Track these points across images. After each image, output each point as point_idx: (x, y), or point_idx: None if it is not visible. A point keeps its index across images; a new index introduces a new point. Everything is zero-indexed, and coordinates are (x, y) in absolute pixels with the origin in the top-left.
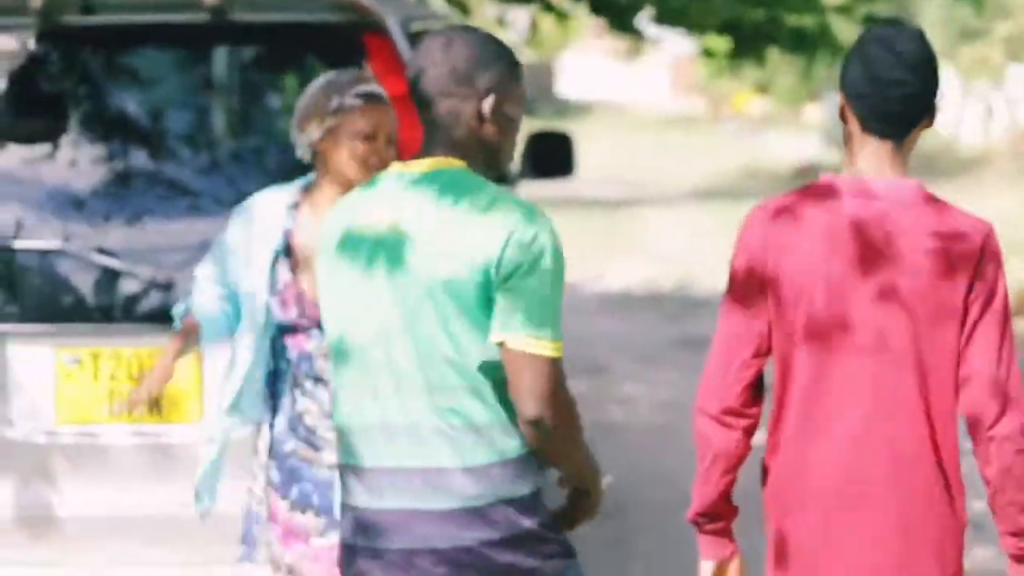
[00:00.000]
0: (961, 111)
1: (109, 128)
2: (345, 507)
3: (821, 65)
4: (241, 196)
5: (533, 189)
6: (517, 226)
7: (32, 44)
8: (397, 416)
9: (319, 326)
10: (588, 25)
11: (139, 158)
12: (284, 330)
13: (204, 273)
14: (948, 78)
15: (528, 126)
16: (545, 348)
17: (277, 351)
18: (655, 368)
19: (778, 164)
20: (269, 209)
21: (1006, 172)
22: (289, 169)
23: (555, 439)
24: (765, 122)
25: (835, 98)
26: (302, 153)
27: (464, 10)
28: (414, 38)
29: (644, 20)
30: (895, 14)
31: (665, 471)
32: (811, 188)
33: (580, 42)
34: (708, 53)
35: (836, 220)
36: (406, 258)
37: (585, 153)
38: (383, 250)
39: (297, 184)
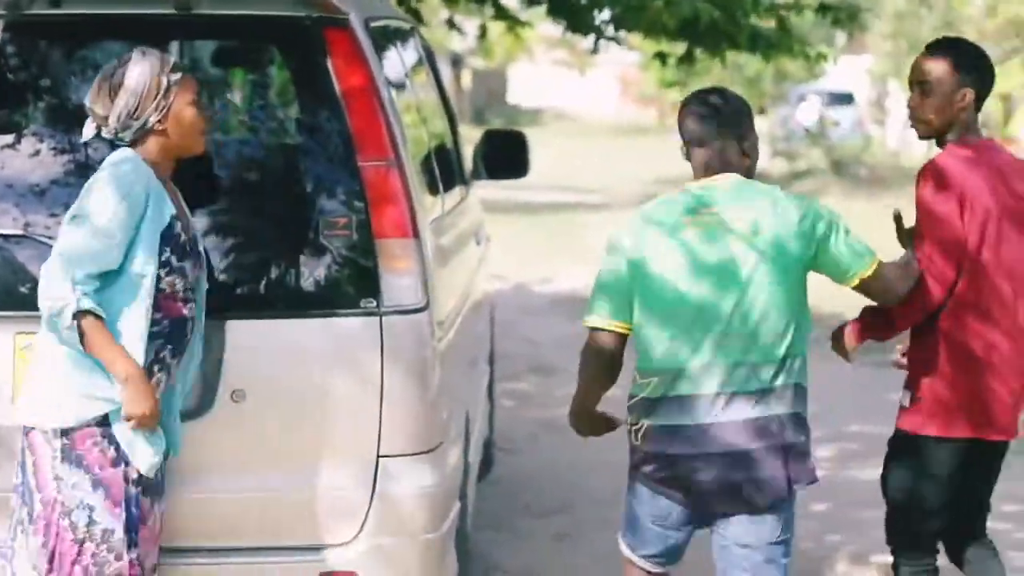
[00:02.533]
0: (907, 125)
1: (73, 119)
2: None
3: (761, 78)
4: (206, 188)
5: (484, 193)
6: None
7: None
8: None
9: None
10: (539, 34)
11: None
12: (163, 297)
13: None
14: (895, 92)
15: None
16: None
17: None
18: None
19: None
20: (148, 175)
21: None
22: (251, 159)
23: None
24: None
25: (781, 111)
26: (130, 138)
27: (418, 17)
28: (376, 34)
29: (601, 21)
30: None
31: (612, 466)
32: None
33: (531, 51)
34: (660, 57)
35: None
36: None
37: (535, 159)
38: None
39: (134, 160)
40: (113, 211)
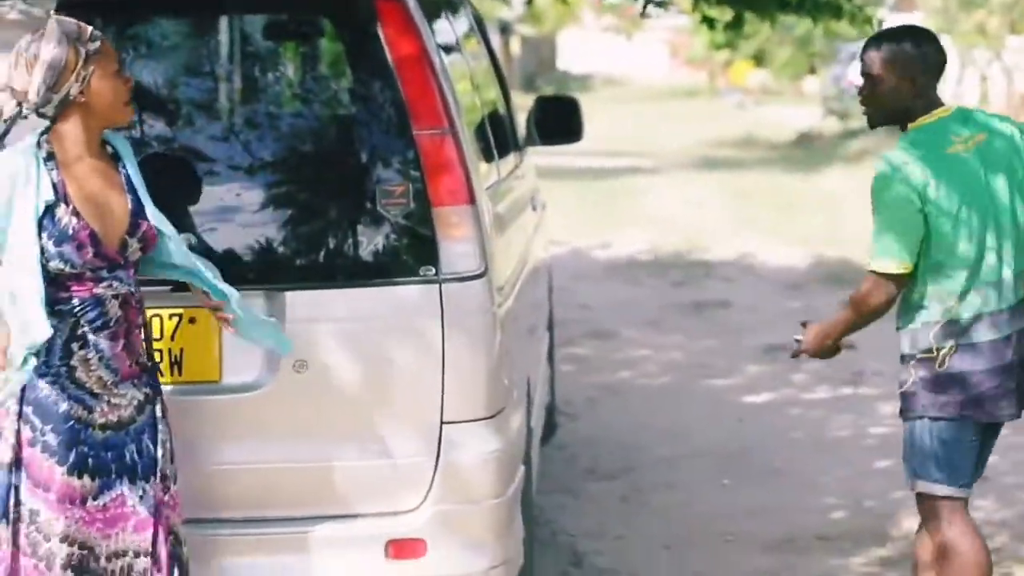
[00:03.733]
0: (959, 80)
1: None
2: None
3: (820, 34)
4: (255, 162)
5: (538, 159)
6: None
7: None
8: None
9: (111, 268)
10: (588, 1)
11: (155, 127)
12: (65, 278)
13: None
14: (946, 47)
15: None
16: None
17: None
18: (660, 332)
19: (777, 134)
20: (13, 165)
21: None
22: (306, 132)
23: None
24: (765, 94)
25: (833, 70)
26: (53, 112)
27: None
28: (426, 3)
29: None
30: None
31: (672, 429)
32: None
33: (579, 18)
34: (707, 21)
35: None
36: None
37: (587, 125)
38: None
39: (29, 141)
40: None
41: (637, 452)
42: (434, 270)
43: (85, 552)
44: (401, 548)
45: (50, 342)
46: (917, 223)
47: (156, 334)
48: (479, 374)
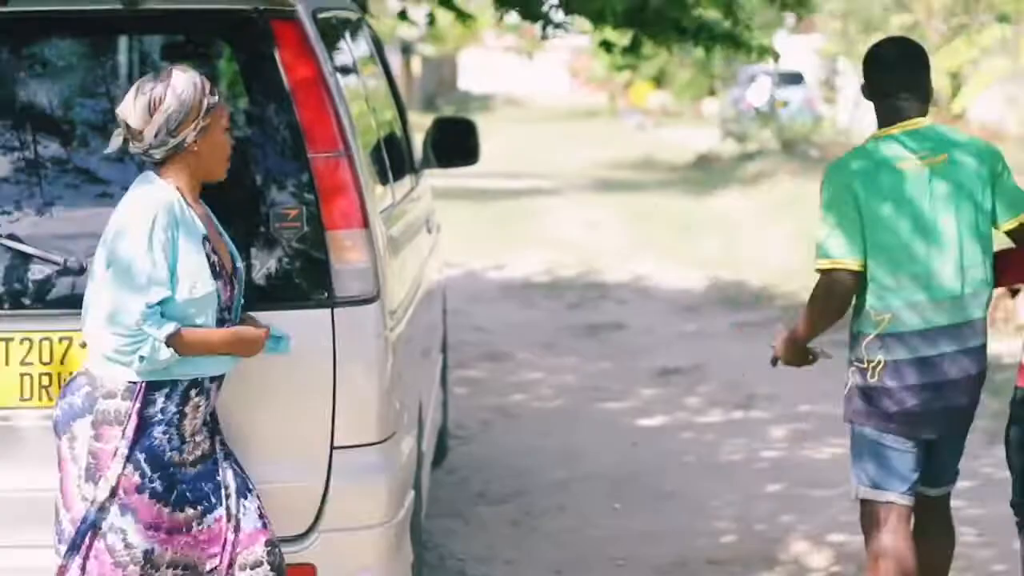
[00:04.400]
0: (857, 103)
1: (20, 117)
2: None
3: (718, 60)
4: None
5: (435, 180)
6: None
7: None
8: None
9: (227, 308)
10: (489, 22)
11: (50, 147)
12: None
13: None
14: (845, 71)
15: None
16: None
17: None
18: (555, 354)
19: (676, 156)
20: (168, 194)
21: None
22: None
23: None
24: (665, 116)
25: (732, 92)
26: (161, 156)
27: (364, 7)
28: (323, 25)
29: (550, 8)
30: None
31: (565, 452)
32: None
33: (481, 38)
34: (605, 45)
35: None
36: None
37: (486, 146)
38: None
39: (159, 181)
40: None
41: (529, 475)
42: (327, 294)
43: (188, 571)
44: (290, 573)
45: (174, 386)
46: (855, 225)
47: (46, 358)
48: (370, 399)
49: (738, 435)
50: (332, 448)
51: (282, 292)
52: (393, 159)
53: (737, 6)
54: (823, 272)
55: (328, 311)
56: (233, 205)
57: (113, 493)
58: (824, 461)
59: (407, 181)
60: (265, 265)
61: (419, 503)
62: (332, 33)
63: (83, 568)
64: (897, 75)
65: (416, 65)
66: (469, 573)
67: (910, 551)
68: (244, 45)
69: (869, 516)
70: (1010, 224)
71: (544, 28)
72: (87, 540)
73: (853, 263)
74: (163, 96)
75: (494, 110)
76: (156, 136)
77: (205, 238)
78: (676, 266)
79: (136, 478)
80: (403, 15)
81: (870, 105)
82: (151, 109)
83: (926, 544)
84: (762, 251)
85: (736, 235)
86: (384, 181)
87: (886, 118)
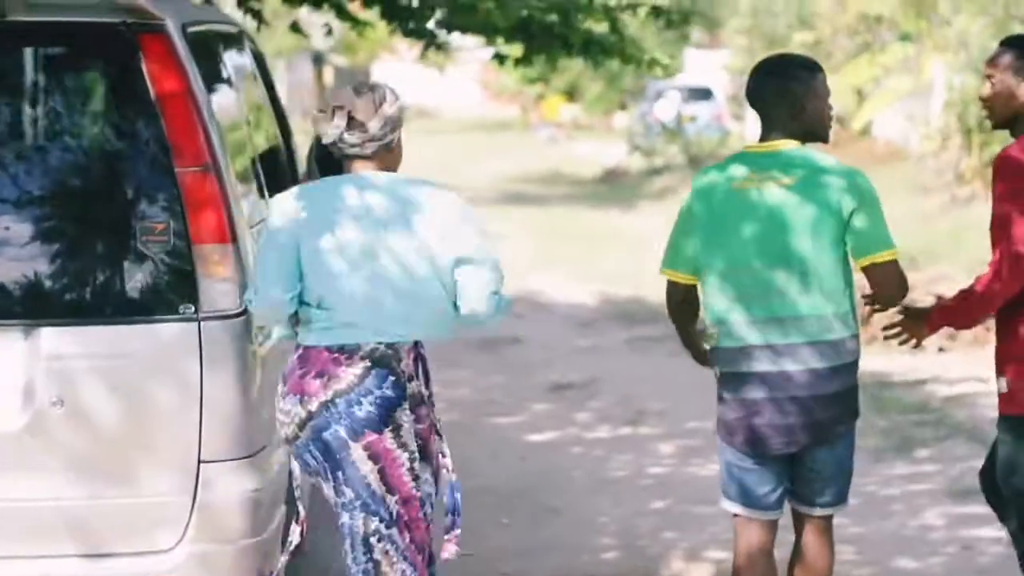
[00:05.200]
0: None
1: None
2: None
3: (621, 73)
4: (23, 194)
5: None
6: None
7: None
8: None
9: None
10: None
11: None
12: None
13: None
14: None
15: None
16: None
17: None
18: (449, 368)
19: (584, 170)
20: None
21: None
22: (68, 166)
23: None
24: (576, 129)
25: (640, 107)
26: (372, 150)
27: (260, 19)
28: (195, 39)
29: (435, 25)
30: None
31: (473, 466)
32: None
33: (394, 49)
34: (499, 58)
35: None
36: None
37: None
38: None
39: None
40: None
41: None
42: (194, 308)
43: None
44: None
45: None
46: (686, 239)
47: None
48: (237, 413)
49: (626, 451)
50: (200, 462)
51: (150, 306)
52: (272, 173)
53: (622, 23)
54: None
55: (195, 325)
56: (102, 218)
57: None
58: (710, 478)
59: None
60: (132, 279)
61: (295, 517)
62: (204, 47)
63: (416, 538)
64: (762, 96)
65: (328, 75)
66: None
67: (766, 570)
68: (112, 58)
69: (735, 531)
70: (860, 263)
71: (426, 47)
72: (420, 512)
73: (678, 275)
74: (387, 95)
75: (406, 121)
76: (382, 127)
77: None
78: (576, 281)
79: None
80: (295, 27)
81: None
82: (375, 104)
83: (800, 564)
84: None
85: (640, 250)
86: (260, 195)
87: (760, 136)
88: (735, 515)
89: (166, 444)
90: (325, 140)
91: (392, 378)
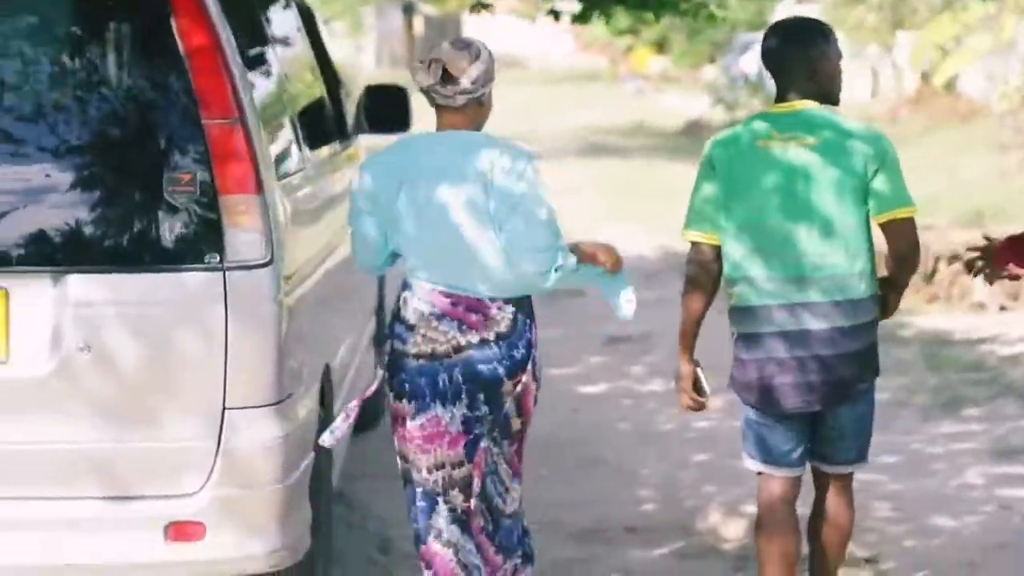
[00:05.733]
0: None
1: None
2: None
3: (706, 25)
4: (51, 144)
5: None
6: None
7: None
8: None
9: None
10: None
11: None
12: None
13: None
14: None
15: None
16: None
17: None
18: None
19: (668, 122)
20: None
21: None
22: (98, 117)
23: None
24: (664, 81)
25: (729, 60)
26: (463, 101)
27: None
28: None
29: None
30: None
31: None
32: None
33: None
34: (554, 14)
35: None
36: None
37: None
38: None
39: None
40: None
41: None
42: (219, 258)
43: (407, 464)
44: (180, 531)
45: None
46: (709, 198)
47: None
48: (263, 361)
49: (675, 404)
50: (224, 408)
51: (176, 255)
52: (312, 125)
53: None
54: (691, 243)
55: (220, 274)
56: (130, 167)
57: None
58: None
59: (331, 147)
60: (159, 228)
61: (327, 464)
62: (238, 2)
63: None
64: (780, 59)
65: (419, 24)
66: (389, 534)
67: (787, 526)
68: (143, 12)
69: (758, 487)
70: (879, 219)
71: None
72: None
73: (702, 236)
74: (481, 52)
75: (498, 72)
76: (474, 83)
77: None
78: (646, 234)
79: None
80: None
81: (865, 75)
82: (472, 58)
83: (821, 521)
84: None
85: None
86: (296, 147)
87: (776, 97)
88: (758, 473)
89: (191, 391)
90: (420, 87)
91: (529, 321)
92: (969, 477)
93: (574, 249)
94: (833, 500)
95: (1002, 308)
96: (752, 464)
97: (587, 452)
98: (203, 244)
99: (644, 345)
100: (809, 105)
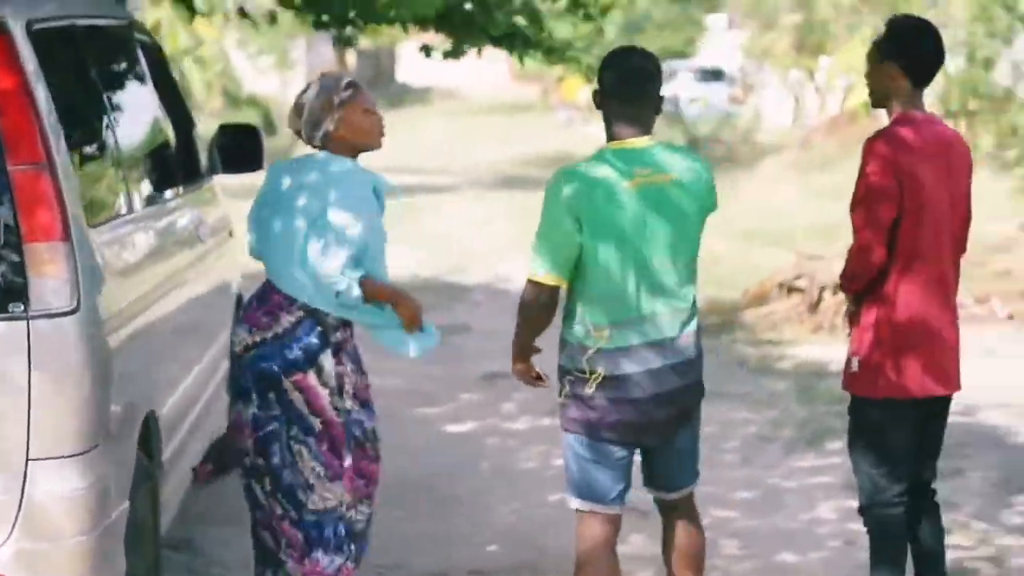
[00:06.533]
0: (772, 101)
1: None
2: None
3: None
4: None
5: None
6: None
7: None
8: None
9: None
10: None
11: None
12: None
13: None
14: (759, 68)
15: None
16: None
17: None
18: (387, 357)
19: (588, 152)
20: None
21: (796, 162)
22: None
23: None
24: (593, 111)
25: None
26: (319, 143)
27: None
28: (46, 35)
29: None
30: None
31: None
32: None
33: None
34: (425, 50)
35: None
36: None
37: (410, 138)
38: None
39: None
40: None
41: None
42: (23, 306)
43: None
44: None
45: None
46: (570, 242)
47: None
48: (67, 411)
49: (540, 442)
50: (27, 460)
51: None
52: (147, 167)
53: (542, 14)
54: (529, 281)
55: (24, 323)
56: None
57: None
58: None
59: (172, 189)
60: None
61: (150, 513)
62: (58, 43)
63: (335, 447)
64: (629, 91)
65: (351, 57)
66: None
67: (609, 562)
68: None
69: (579, 525)
70: None
71: (339, 38)
72: (341, 431)
73: (553, 279)
74: (303, 102)
75: (431, 103)
76: (303, 133)
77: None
78: None
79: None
80: (243, 14)
81: (787, 100)
82: (298, 112)
83: (676, 545)
84: None
85: None
86: (124, 190)
87: (610, 133)
88: (586, 512)
89: None
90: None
91: (319, 329)
92: (821, 512)
93: (372, 288)
94: (686, 521)
95: None
96: (575, 503)
97: (443, 492)
98: (7, 292)
99: (517, 382)
100: (646, 142)
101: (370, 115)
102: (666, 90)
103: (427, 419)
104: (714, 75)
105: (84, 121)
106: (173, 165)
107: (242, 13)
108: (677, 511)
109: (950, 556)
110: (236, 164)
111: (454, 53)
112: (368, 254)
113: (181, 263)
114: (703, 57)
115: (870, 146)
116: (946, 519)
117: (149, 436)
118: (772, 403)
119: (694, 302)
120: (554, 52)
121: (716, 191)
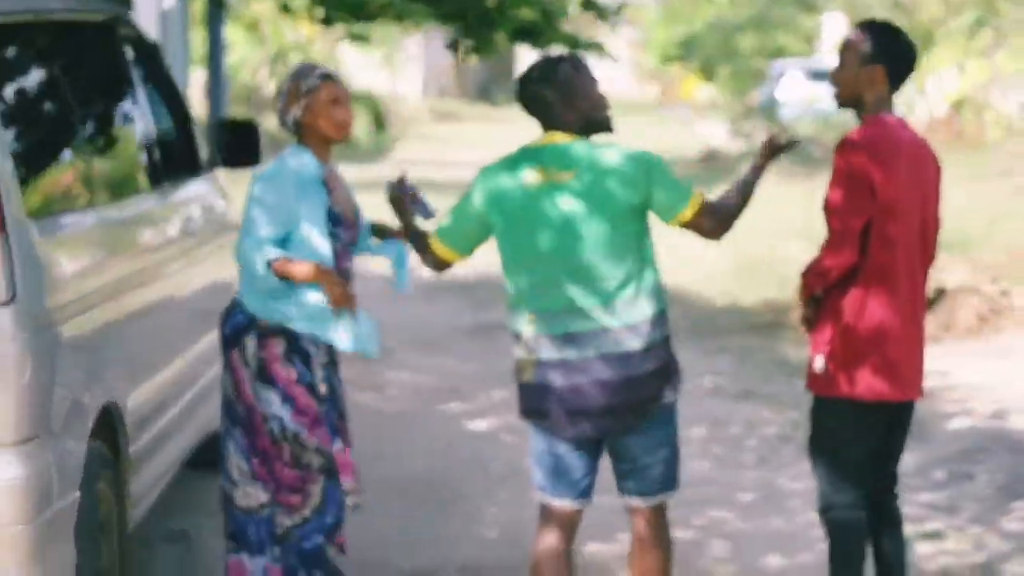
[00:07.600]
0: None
1: None
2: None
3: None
4: None
5: (438, 169)
6: None
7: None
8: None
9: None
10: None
11: None
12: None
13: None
14: None
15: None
16: None
17: None
18: (432, 354)
19: (688, 151)
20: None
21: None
22: None
23: None
24: (712, 108)
25: (764, 88)
26: (292, 130)
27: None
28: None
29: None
30: None
31: (374, 455)
32: None
33: None
34: (452, 47)
35: None
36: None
37: (515, 136)
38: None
39: (304, 151)
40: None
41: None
42: None
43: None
44: None
45: None
46: (472, 224)
47: None
48: (2, 402)
49: None
50: None
51: None
52: (114, 162)
53: (555, 13)
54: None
55: None
56: None
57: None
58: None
59: (147, 184)
60: None
61: (112, 505)
62: (20, 38)
63: (255, 444)
64: (533, 92)
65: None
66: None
67: (558, 560)
68: None
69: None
70: (677, 222)
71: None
72: (256, 424)
73: (447, 251)
74: (280, 87)
75: None
76: (279, 118)
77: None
78: None
79: (294, 373)
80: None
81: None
82: (277, 98)
83: (640, 558)
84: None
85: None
86: (80, 184)
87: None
88: (542, 504)
89: None
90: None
91: (252, 316)
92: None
93: (283, 267)
94: (650, 535)
95: None
96: (537, 495)
97: (448, 490)
98: None
99: None
100: (565, 139)
101: (336, 106)
102: (776, 91)
103: (451, 415)
104: (825, 75)
105: (36, 115)
106: (155, 160)
107: (284, 8)
108: (640, 523)
109: (941, 561)
110: (234, 159)
111: (484, 49)
112: (293, 241)
113: (163, 256)
114: (821, 57)
115: (844, 147)
116: (943, 524)
117: (112, 427)
118: (796, 404)
119: (642, 295)
120: (567, 40)
121: (659, 186)
